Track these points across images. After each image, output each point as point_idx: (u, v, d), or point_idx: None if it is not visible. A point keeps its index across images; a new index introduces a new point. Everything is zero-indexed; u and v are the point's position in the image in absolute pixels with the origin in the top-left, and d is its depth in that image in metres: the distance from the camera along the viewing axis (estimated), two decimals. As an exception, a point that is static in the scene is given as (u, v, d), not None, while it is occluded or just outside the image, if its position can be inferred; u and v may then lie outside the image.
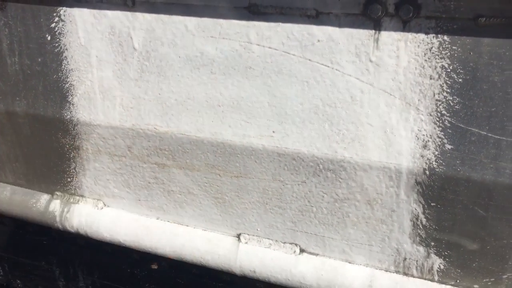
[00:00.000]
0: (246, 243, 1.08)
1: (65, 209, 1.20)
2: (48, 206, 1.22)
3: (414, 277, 0.98)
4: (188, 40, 0.94)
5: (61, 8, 1.01)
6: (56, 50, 1.05)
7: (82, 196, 1.20)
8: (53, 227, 1.23)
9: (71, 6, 1.00)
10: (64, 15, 1.01)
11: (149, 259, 1.24)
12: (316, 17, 0.84)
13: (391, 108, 0.85)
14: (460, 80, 0.80)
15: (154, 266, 1.26)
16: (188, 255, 1.12)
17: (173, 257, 1.14)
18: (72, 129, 1.10)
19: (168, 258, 1.16)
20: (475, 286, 0.94)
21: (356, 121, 0.88)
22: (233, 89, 0.94)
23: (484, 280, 0.93)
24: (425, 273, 0.97)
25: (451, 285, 0.96)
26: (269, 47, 0.89)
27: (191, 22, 0.93)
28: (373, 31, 0.82)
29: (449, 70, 0.80)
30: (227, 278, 1.16)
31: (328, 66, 0.86)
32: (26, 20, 1.05)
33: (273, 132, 0.94)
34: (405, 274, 0.98)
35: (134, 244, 1.16)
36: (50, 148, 1.16)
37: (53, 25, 1.03)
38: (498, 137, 0.80)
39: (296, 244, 1.05)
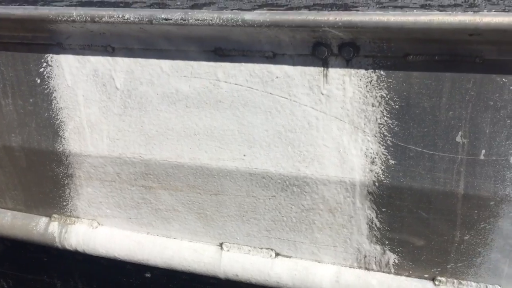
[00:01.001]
0: (228, 250, 1.22)
1: (63, 230, 1.33)
2: (47, 228, 1.34)
3: (374, 271, 1.12)
4: (164, 80, 1.07)
5: (48, 54, 1.13)
6: (46, 92, 1.17)
7: (77, 217, 1.32)
8: (53, 246, 1.35)
9: (57, 53, 1.12)
10: (51, 61, 1.13)
11: (143, 269, 1.37)
12: (273, 57, 0.98)
13: (342, 131, 0.99)
14: (397, 106, 0.94)
15: (148, 275, 1.39)
16: (177, 265, 1.25)
17: (164, 267, 1.27)
18: (65, 159, 1.23)
19: (159, 267, 1.30)
20: (425, 275, 1.09)
21: (314, 143, 1.02)
22: (207, 120, 1.07)
23: (432, 270, 1.08)
24: (383, 267, 1.12)
25: (405, 276, 1.11)
26: (235, 84, 1.02)
27: (165, 64, 1.05)
28: (322, 68, 0.96)
29: (387, 98, 0.94)
30: (214, 281, 1.29)
31: (287, 98, 1.00)
32: (16, 66, 1.16)
33: (244, 155, 1.08)
34: (366, 269, 1.13)
35: (128, 257, 1.29)
36: (46, 176, 1.28)
37: (41, 69, 1.15)
38: (432, 152, 0.95)
39: (271, 249, 1.19)
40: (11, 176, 1.31)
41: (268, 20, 0.89)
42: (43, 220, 1.35)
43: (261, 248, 1.19)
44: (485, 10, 0.80)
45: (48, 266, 1.52)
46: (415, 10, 0.84)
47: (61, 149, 1.21)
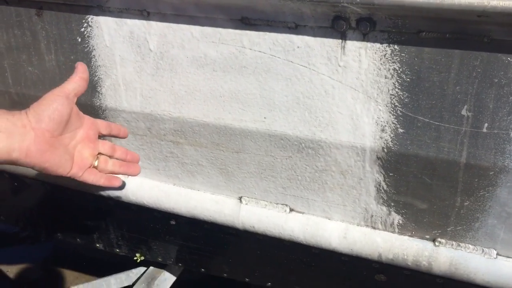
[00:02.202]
0: (247, 204, 1.33)
1: (98, 177, 1.46)
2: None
3: (379, 229, 1.22)
4: (193, 44, 1.15)
5: (89, 16, 1.22)
6: (86, 50, 1.27)
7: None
8: (90, 191, 1.49)
9: (97, 14, 1.21)
10: (92, 22, 1.23)
11: (168, 216, 1.49)
12: (296, 28, 1.05)
13: (356, 100, 1.07)
14: (408, 79, 1.01)
15: (173, 222, 1.52)
16: (200, 214, 1.37)
17: (188, 216, 1.39)
18: (101, 113, 1.34)
19: (183, 216, 1.42)
20: (427, 236, 1.18)
21: (329, 110, 1.10)
22: (231, 84, 1.16)
23: (433, 232, 1.17)
24: (388, 227, 1.21)
25: (408, 235, 1.20)
26: (259, 51, 1.10)
27: (195, 29, 1.14)
28: (340, 40, 1.02)
29: (399, 71, 1.01)
30: (233, 231, 1.41)
31: (306, 67, 1.08)
32: (60, 25, 1.26)
33: (265, 118, 1.17)
34: (372, 227, 1.23)
35: (155, 205, 1.42)
36: (83, 128, 1.39)
37: (82, 29, 1.25)
38: (438, 123, 1.02)
39: (286, 205, 1.29)
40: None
41: (291, -6, 0.96)
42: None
43: (277, 204, 1.30)
44: (494, -6, 0.85)
45: (82, 209, 1.66)
46: (428, -9, 0.89)
47: (98, 103, 1.32)
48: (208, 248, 1.53)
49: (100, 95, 1.31)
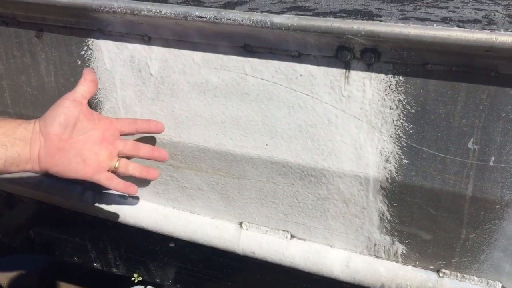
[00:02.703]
0: (247, 229, 1.31)
1: (96, 198, 1.44)
2: (82, 195, 1.45)
3: (382, 259, 1.19)
4: (195, 70, 1.13)
5: (89, 39, 1.20)
6: (85, 73, 1.25)
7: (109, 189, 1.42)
8: (88, 213, 1.47)
9: (97, 38, 1.19)
10: (92, 45, 1.21)
11: (167, 239, 1.47)
12: (299, 57, 1.03)
13: (360, 130, 1.05)
14: (413, 110, 0.99)
15: (172, 245, 1.50)
16: (200, 239, 1.35)
17: (187, 240, 1.37)
18: (100, 136, 1.32)
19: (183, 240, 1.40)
20: (431, 267, 1.16)
21: (333, 139, 1.08)
22: (233, 110, 1.14)
23: (438, 263, 1.15)
24: (391, 256, 1.19)
25: (412, 266, 1.18)
26: (261, 78, 1.08)
27: (197, 55, 1.12)
28: (344, 70, 1.01)
29: (404, 102, 0.99)
30: (232, 256, 1.39)
31: (309, 95, 1.06)
32: (60, 47, 1.24)
33: (266, 145, 1.15)
34: (375, 256, 1.20)
35: (154, 228, 1.40)
36: (82, 150, 1.38)
37: (82, 52, 1.23)
38: (443, 155, 1.00)
39: (287, 231, 1.27)
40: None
41: (295, 24, 0.94)
42: (79, 188, 1.46)
43: (278, 230, 1.28)
44: (502, 29, 0.83)
45: (81, 229, 1.64)
46: (435, 24, 0.88)
47: (97, 126, 1.30)
48: (207, 271, 1.51)
49: (99, 117, 1.29)
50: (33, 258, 3.03)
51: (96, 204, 1.43)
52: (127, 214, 1.40)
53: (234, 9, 1.01)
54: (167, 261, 1.56)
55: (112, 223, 1.46)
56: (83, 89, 1.11)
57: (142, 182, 1.36)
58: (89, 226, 1.61)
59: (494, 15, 0.93)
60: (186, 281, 1.60)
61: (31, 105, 1.35)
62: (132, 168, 1.19)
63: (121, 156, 1.18)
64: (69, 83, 1.28)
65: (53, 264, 2.94)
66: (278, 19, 0.96)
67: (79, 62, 1.24)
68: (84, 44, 1.21)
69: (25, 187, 1.52)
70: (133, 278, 1.70)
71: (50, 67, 1.28)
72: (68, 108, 1.07)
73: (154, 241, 1.51)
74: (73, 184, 1.45)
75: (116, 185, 1.16)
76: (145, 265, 1.64)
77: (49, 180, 1.48)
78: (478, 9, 0.98)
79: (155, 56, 1.16)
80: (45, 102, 1.33)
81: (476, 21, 0.89)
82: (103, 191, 1.43)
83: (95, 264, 1.74)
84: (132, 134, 1.19)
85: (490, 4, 1.03)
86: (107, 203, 1.42)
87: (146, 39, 1.14)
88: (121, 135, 1.18)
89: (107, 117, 1.18)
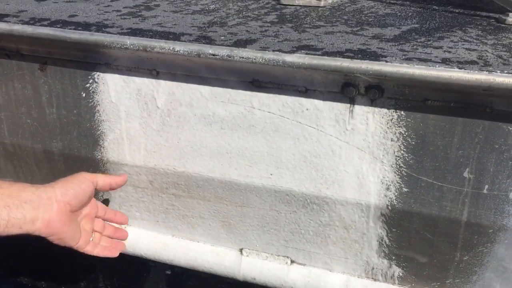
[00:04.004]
0: (248, 256, 1.34)
1: (94, 229, 1.44)
2: (78, 226, 1.45)
3: (380, 281, 1.26)
4: (202, 103, 1.18)
5: (96, 72, 1.23)
6: (90, 105, 1.27)
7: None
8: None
9: (104, 72, 1.22)
10: (98, 78, 1.23)
11: (164, 266, 1.49)
12: (305, 92, 1.09)
13: (362, 160, 1.11)
14: (413, 142, 1.06)
15: (168, 272, 1.52)
16: (200, 266, 1.38)
17: (188, 268, 1.40)
18: (102, 166, 1.33)
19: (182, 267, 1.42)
20: (426, 288, 1.24)
21: (336, 169, 1.14)
22: (239, 141, 1.19)
23: (432, 284, 1.22)
24: (388, 279, 1.25)
25: (408, 287, 1.25)
26: (268, 112, 1.14)
27: (205, 89, 1.16)
28: (349, 104, 1.07)
29: (405, 135, 1.06)
30: (231, 281, 1.42)
31: (314, 128, 1.12)
32: (64, 80, 1.26)
33: (271, 174, 1.20)
34: (373, 279, 1.26)
35: (154, 257, 1.41)
36: (81, 180, 1.39)
37: (87, 85, 1.25)
38: (441, 184, 1.08)
39: (288, 257, 1.32)
40: (47, 176, 1.42)
41: (306, 63, 1.01)
42: (75, 218, 1.46)
43: (278, 256, 1.32)
44: (498, 71, 0.92)
45: (72, 260, 1.63)
46: (437, 65, 0.96)
47: (99, 156, 1.32)
48: (204, 298, 1.54)
49: (102, 148, 1.31)
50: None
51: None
52: (126, 242, 1.41)
53: (245, 47, 1.07)
54: (162, 288, 1.58)
55: (108, 252, 1.47)
56: (103, 184, 1.22)
57: (142, 211, 1.38)
58: (81, 256, 1.60)
59: (487, 55, 1.02)
60: (180, 308, 1.62)
61: (30, 136, 1.36)
62: (104, 241, 1.30)
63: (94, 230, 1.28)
64: (72, 115, 1.29)
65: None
66: (290, 58, 1.02)
67: (84, 95, 1.26)
68: (89, 77, 1.24)
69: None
70: (125, 307, 1.70)
71: (53, 99, 1.29)
72: (89, 188, 1.18)
73: (149, 268, 1.52)
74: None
75: (101, 251, 1.26)
76: (138, 293, 1.64)
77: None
78: (470, 49, 1.07)
79: (162, 89, 1.19)
80: (45, 134, 1.34)
81: (473, 62, 0.98)
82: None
83: (84, 293, 1.73)
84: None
85: (478, 44, 1.12)
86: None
87: (154, 73, 1.18)
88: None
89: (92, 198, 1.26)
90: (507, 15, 1.36)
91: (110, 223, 1.33)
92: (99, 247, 1.25)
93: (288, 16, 1.41)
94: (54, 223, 1.08)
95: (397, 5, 1.60)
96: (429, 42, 1.14)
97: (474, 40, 1.16)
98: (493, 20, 1.40)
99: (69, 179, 1.16)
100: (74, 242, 1.17)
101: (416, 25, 1.32)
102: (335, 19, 1.39)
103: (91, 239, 1.24)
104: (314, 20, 1.38)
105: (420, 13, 1.48)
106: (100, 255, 1.25)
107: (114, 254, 1.29)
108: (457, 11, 1.51)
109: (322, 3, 1.58)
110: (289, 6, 1.57)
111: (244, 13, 1.45)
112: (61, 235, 1.11)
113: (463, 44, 1.12)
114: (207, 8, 1.50)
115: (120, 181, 1.26)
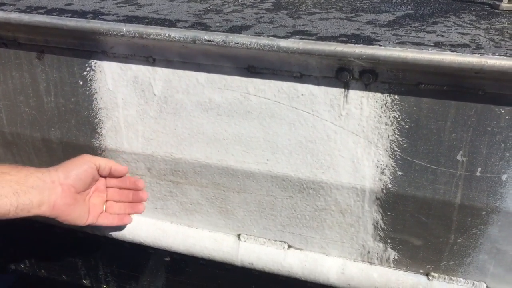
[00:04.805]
0: (245, 241, 1.36)
1: (93, 216, 1.46)
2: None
3: (375, 265, 1.27)
4: (199, 90, 1.19)
5: (92, 60, 1.24)
6: (87, 93, 1.28)
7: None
8: (82, 231, 1.48)
9: (100, 59, 1.23)
10: (95, 66, 1.24)
11: (162, 253, 1.51)
12: (300, 77, 1.10)
13: (357, 144, 1.13)
14: (407, 126, 1.08)
15: (167, 259, 1.53)
16: (198, 252, 1.39)
17: (186, 254, 1.41)
18: (100, 154, 1.35)
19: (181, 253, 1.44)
20: (421, 270, 1.25)
21: (331, 154, 1.15)
22: (235, 127, 1.20)
23: (427, 267, 1.23)
24: (383, 262, 1.27)
25: (403, 270, 1.26)
26: (264, 97, 1.15)
27: (201, 76, 1.17)
28: (343, 89, 1.08)
29: (399, 119, 1.08)
30: (228, 267, 1.44)
31: (310, 113, 1.13)
32: (61, 68, 1.27)
33: (267, 160, 1.21)
34: (369, 263, 1.28)
35: (153, 243, 1.43)
36: (80, 167, 1.40)
37: (85, 73, 1.26)
38: (434, 167, 1.09)
39: (284, 242, 1.33)
40: (46, 164, 1.43)
41: (301, 48, 1.02)
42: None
43: (275, 241, 1.34)
44: (490, 53, 0.93)
45: (73, 248, 1.65)
46: (430, 48, 0.97)
47: (97, 144, 1.33)
48: (203, 284, 1.55)
49: (100, 136, 1.32)
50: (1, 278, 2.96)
51: (93, 221, 1.45)
52: (125, 230, 1.43)
53: (240, 33, 1.08)
54: (161, 274, 1.59)
55: (107, 239, 1.48)
56: (105, 167, 1.28)
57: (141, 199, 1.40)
58: (80, 244, 1.62)
59: (479, 39, 1.04)
60: (179, 294, 1.64)
61: (28, 124, 1.37)
62: (118, 207, 1.34)
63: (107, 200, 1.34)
64: (70, 103, 1.30)
65: (21, 280, 2.88)
66: (285, 43, 1.03)
67: (81, 83, 1.27)
68: (86, 65, 1.25)
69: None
70: (125, 294, 1.72)
71: (50, 87, 1.30)
72: (91, 169, 1.23)
73: (148, 255, 1.54)
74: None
75: (112, 221, 1.32)
76: (137, 280, 1.66)
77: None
78: (462, 33, 1.08)
79: (159, 76, 1.20)
80: (43, 122, 1.35)
81: (465, 45, 0.99)
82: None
83: (84, 281, 1.75)
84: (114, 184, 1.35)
85: (471, 28, 1.13)
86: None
87: (151, 60, 1.19)
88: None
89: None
90: (501, 1, 1.37)
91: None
92: (111, 217, 1.31)
93: (284, 4, 1.42)
94: (59, 206, 1.14)
95: (392, -7, 1.61)
96: (422, 27, 1.15)
97: (468, 25, 1.17)
98: (487, 6, 1.41)
99: (72, 162, 1.21)
100: (81, 221, 1.22)
101: (410, 11, 1.33)
102: (330, 6, 1.40)
103: (103, 209, 1.30)
104: (309, 7, 1.39)
105: (414, 0, 1.49)
106: (115, 225, 1.32)
107: (127, 221, 1.35)
108: (451, -3, 1.52)
109: (318, -9, 1.58)
110: (285, -6, 1.58)
111: (240, 0, 1.46)
112: (67, 216, 1.17)
113: (456, 29, 1.13)
114: (203, -3, 1.50)
115: (120, 169, 1.30)
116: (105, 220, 1.29)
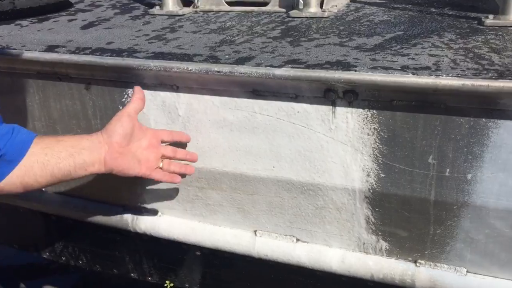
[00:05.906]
0: (260, 236, 1.59)
1: (135, 217, 1.73)
2: (123, 214, 1.75)
3: (370, 254, 1.48)
4: (214, 110, 1.44)
5: (129, 89, 1.51)
6: (125, 115, 1.55)
7: (145, 208, 1.72)
8: (127, 229, 1.76)
9: (135, 88, 1.51)
10: (130, 94, 1.52)
11: (194, 248, 1.76)
12: (296, 98, 1.32)
13: (346, 152, 1.34)
14: (385, 136, 1.28)
15: (198, 253, 1.79)
16: (222, 246, 1.64)
17: (212, 248, 1.66)
18: (138, 165, 1.62)
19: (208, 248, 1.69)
20: (409, 258, 1.43)
21: (325, 160, 1.37)
22: (246, 141, 1.44)
23: (414, 255, 1.42)
24: (377, 252, 1.47)
25: (394, 258, 1.45)
26: (267, 115, 1.38)
27: (216, 99, 1.42)
28: (331, 106, 1.30)
29: (378, 130, 1.28)
30: (248, 259, 1.67)
31: (305, 127, 1.35)
32: (104, 96, 1.56)
33: (273, 167, 1.44)
34: (365, 253, 1.48)
35: (184, 240, 1.69)
36: (122, 177, 1.68)
37: (123, 99, 1.54)
38: (410, 169, 1.28)
39: (293, 236, 1.56)
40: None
41: (291, 75, 1.25)
42: (120, 209, 1.76)
43: (286, 235, 1.56)
44: (444, 75, 1.13)
45: (120, 244, 1.93)
46: (395, 72, 1.17)
47: (135, 157, 1.60)
48: (228, 274, 1.80)
49: (137, 150, 1.58)
50: (65, 278, 3.28)
51: (135, 221, 1.72)
52: (161, 228, 1.69)
53: (244, 64, 1.32)
54: (194, 267, 1.85)
55: (148, 236, 1.76)
56: (135, 107, 1.37)
57: (173, 201, 1.66)
58: (127, 241, 1.90)
59: (443, 60, 1.23)
60: (210, 284, 1.89)
61: (79, 142, 1.66)
62: (174, 166, 1.45)
63: (164, 157, 1.44)
64: (112, 124, 1.58)
65: (84, 281, 3.20)
66: (278, 72, 1.26)
67: (121, 108, 1.55)
68: (124, 93, 1.52)
69: (73, 210, 1.82)
70: (165, 285, 1.98)
71: (97, 112, 1.59)
72: (126, 122, 1.34)
73: (183, 250, 1.80)
74: (115, 206, 1.75)
75: (163, 177, 1.42)
76: (175, 272, 1.93)
77: (94, 203, 1.79)
78: (432, 55, 1.27)
79: (182, 100, 1.46)
80: (91, 140, 1.64)
81: (427, 67, 1.19)
82: (141, 211, 1.72)
83: (132, 275, 2.03)
84: (170, 142, 1.49)
85: (443, 49, 1.32)
86: (144, 220, 1.71)
87: (175, 87, 1.45)
88: (162, 142, 1.45)
89: (152, 129, 1.44)
90: (487, 17, 1.50)
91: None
92: (165, 174, 1.42)
93: (291, 30, 1.63)
94: (108, 161, 1.29)
95: (398, 10, 1.79)
96: (401, 50, 1.34)
97: (443, 45, 1.36)
98: (475, 22, 1.55)
99: (111, 122, 1.35)
100: (134, 171, 1.35)
101: (400, 33, 1.51)
102: (331, 31, 1.60)
103: (160, 165, 1.42)
104: (312, 32, 1.60)
105: (412, 18, 1.65)
106: (169, 181, 1.44)
107: (177, 180, 1.45)
108: (450, 13, 1.68)
109: (326, 14, 1.78)
110: (296, 19, 1.78)
111: (254, 28, 1.69)
112: (119, 167, 1.32)
113: (430, 50, 1.32)
114: (223, 26, 1.75)
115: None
116: (158, 175, 1.40)
